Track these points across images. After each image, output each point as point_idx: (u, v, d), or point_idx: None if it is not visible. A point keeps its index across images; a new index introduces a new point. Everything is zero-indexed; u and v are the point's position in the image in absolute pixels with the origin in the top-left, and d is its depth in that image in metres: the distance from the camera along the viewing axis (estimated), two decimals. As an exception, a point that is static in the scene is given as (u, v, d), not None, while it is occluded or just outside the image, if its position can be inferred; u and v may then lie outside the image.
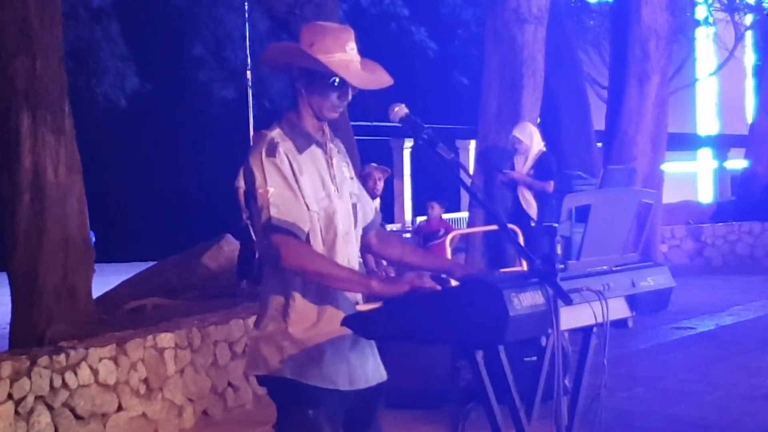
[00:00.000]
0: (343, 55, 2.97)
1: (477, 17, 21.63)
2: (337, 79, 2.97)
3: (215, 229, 11.80)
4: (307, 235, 2.97)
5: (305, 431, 2.97)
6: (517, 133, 9.43)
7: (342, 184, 3.11)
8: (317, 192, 3.01)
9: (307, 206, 2.96)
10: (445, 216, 22.12)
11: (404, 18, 21.17)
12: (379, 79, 3.05)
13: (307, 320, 2.98)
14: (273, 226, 2.92)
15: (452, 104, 22.81)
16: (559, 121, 13.43)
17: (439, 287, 2.85)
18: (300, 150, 3.01)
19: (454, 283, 3.07)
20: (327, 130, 3.12)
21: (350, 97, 3.05)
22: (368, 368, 3.11)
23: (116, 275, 12.24)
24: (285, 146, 2.99)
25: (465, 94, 21.73)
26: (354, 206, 3.14)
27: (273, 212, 2.92)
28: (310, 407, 2.97)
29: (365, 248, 3.30)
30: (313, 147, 3.05)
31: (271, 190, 2.93)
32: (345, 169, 3.15)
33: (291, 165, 2.97)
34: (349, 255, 3.08)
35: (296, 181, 2.96)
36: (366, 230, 3.24)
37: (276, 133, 3.02)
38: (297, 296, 2.99)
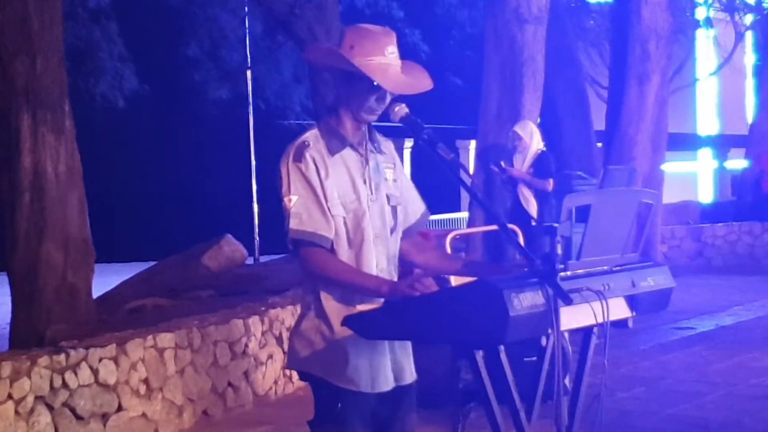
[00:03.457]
0: (382, 58, 2.99)
1: (472, 19, 21.60)
2: (375, 83, 2.98)
3: (215, 229, 11.81)
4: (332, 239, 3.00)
5: (334, 428, 3.02)
6: (517, 128, 9.40)
7: (378, 186, 3.11)
8: (346, 195, 3.03)
9: (329, 210, 2.99)
10: (445, 216, 22.08)
11: (399, 20, 21.14)
12: (416, 83, 3.05)
13: (336, 318, 3.01)
14: (293, 239, 2.99)
15: (450, 105, 22.78)
16: (559, 121, 13.42)
17: (437, 288, 2.85)
18: (332, 152, 3.04)
19: (454, 283, 3.07)
20: (366, 131, 3.13)
21: (388, 101, 3.06)
22: (396, 369, 3.11)
23: (116, 275, 12.24)
24: (315, 148, 3.02)
25: (460, 95, 21.71)
26: (394, 209, 3.15)
27: (293, 224, 2.97)
28: (338, 405, 3.01)
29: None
30: (347, 149, 3.06)
31: (294, 198, 2.98)
32: (387, 172, 3.16)
33: (317, 169, 2.99)
34: (378, 258, 3.08)
35: (321, 185, 2.99)
36: (403, 234, 3.23)
37: (310, 134, 3.06)
38: (326, 295, 3.03)
